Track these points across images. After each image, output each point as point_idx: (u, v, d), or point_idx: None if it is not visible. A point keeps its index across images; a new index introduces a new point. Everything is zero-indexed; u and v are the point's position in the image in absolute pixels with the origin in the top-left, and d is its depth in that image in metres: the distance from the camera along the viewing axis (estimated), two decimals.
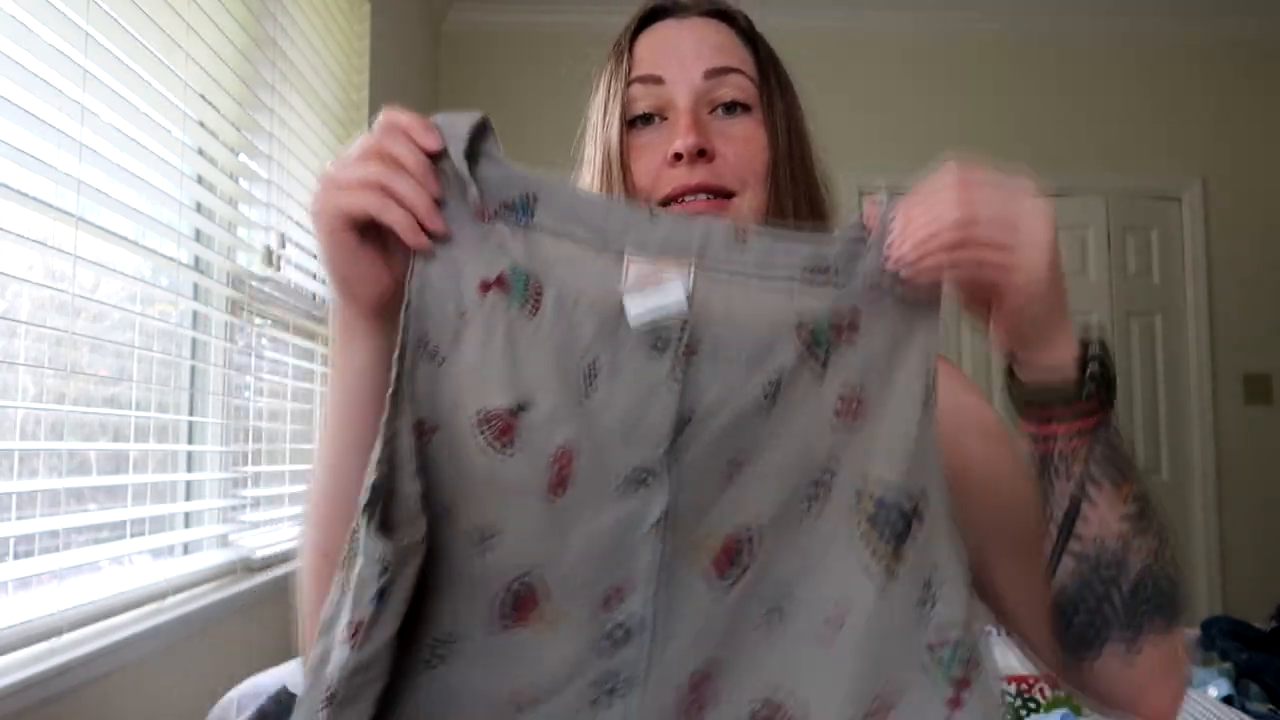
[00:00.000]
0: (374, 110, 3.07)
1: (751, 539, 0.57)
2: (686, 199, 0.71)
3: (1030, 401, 0.60)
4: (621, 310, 0.58)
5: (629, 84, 0.74)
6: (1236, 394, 3.54)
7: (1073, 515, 0.59)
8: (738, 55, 0.75)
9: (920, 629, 0.55)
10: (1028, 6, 3.50)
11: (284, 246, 2.05)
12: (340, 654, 0.53)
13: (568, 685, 0.57)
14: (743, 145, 0.72)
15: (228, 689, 1.54)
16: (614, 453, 0.57)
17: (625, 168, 0.72)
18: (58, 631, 1.25)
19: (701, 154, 0.70)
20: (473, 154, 0.59)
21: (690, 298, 0.58)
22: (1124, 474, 0.59)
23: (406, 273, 0.59)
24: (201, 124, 1.68)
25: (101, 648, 1.31)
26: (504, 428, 0.57)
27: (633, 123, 0.75)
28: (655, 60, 0.74)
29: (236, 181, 1.87)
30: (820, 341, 0.58)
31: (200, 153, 1.71)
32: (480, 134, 0.59)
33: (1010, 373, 0.62)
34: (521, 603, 0.57)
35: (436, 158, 0.59)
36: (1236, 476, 3.49)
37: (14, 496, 1.21)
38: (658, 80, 0.73)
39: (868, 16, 3.52)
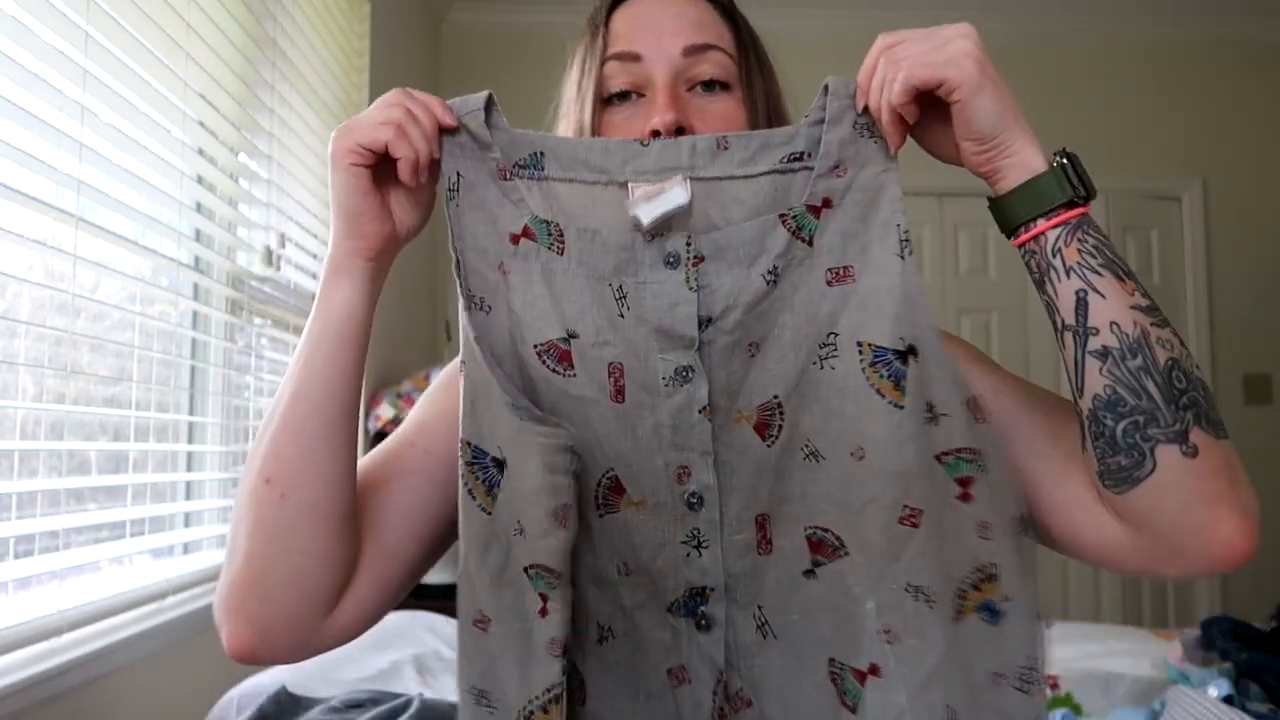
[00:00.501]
0: None
1: (780, 405, 0.67)
2: None
3: (1014, 211, 0.62)
4: (634, 236, 0.66)
5: (604, 60, 0.74)
6: (1236, 394, 3.54)
7: (1083, 311, 0.59)
8: (716, 31, 0.74)
9: (929, 444, 0.64)
10: (1027, 6, 3.50)
11: (284, 246, 2.05)
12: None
13: (663, 549, 0.68)
14: (721, 124, 0.72)
15: (228, 689, 1.54)
16: (655, 359, 0.66)
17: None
18: (58, 631, 1.25)
19: (680, 132, 0.70)
20: (486, 124, 0.68)
21: (690, 201, 0.65)
22: (1125, 271, 0.60)
23: (408, 227, 0.68)
24: (201, 124, 1.68)
25: (101, 648, 1.31)
26: (562, 354, 0.67)
27: (609, 100, 0.74)
28: (632, 36, 0.73)
29: (236, 181, 1.87)
30: (804, 224, 0.66)
31: (200, 153, 1.71)
32: (489, 108, 0.68)
33: (994, 200, 0.64)
34: (612, 493, 0.68)
35: (452, 133, 0.67)
36: None
37: (14, 496, 1.22)
38: (635, 57, 0.73)
39: (867, 17, 3.52)
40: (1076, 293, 0.60)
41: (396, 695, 1.41)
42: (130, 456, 1.56)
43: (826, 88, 0.66)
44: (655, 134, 0.70)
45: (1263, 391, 3.55)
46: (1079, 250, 0.60)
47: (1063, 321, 0.61)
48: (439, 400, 0.73)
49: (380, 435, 2.47)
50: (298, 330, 2.18)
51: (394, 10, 2.84)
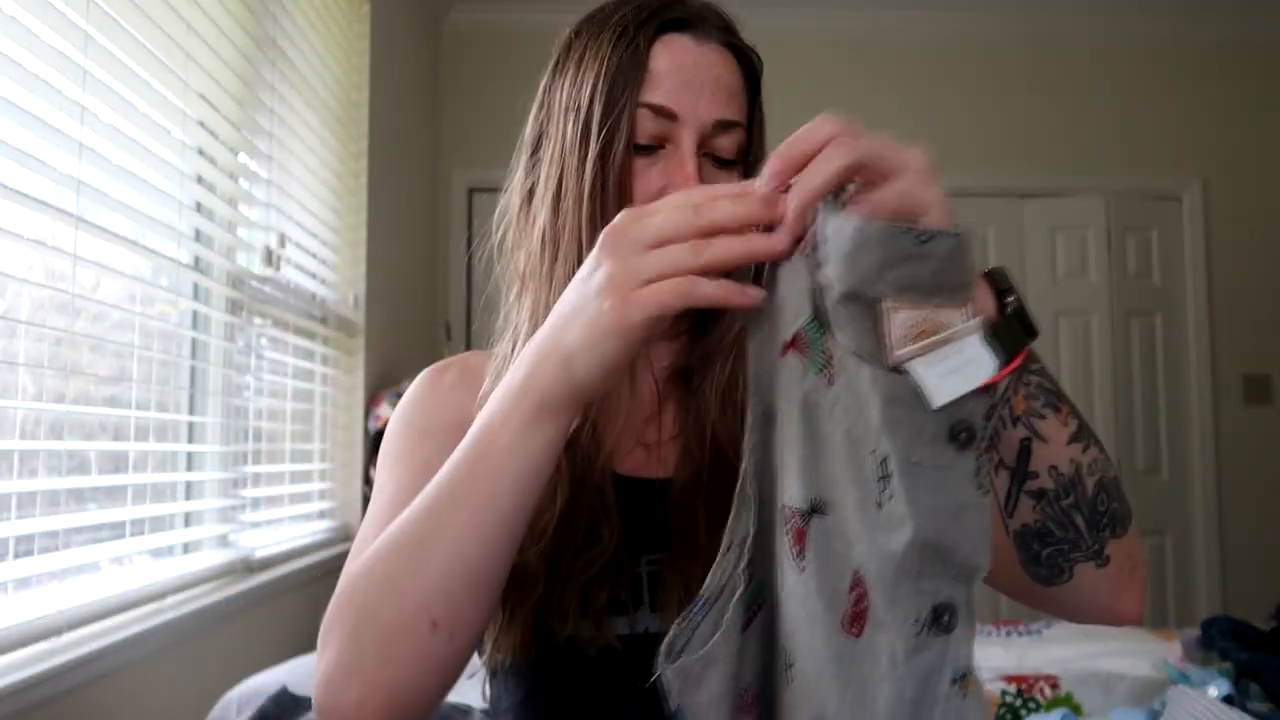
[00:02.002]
0: (374, 110, 3.00)
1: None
2: None
3: None
4: (907, 382, 0.45)
5: (639, 104, 0.71)
6: (1236, 394, 3.54)
7: (1025, 458, 0.59)
8: (741, 105, 0.74)
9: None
10: (1027, 7, 3.50)
11: (284, 246, 2.05)
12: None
13: None
14: None
15: (228, 689, 1.54)
16: (909, 586, 0.45)
17: (624, 190, 0.70)
18: (58, 631, 1.25)
19: None
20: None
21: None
22: (1058, 397, 0.60)
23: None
24: (201, 124, 1.68)
25: (101, 648, 1.31)
26: (798, 532, 0.49)
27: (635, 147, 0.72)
28: (670, 90, 0.71)
29: (236, 181, 1.87)
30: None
31: (200, 153, 1.71)
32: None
33: None
34: None
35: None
36: (1236, 476, 3.49)
37: (14, 496, 1.21)
38: (671, 115, 0.71)
39: (867, 18, 3.52)
40: (1021, 441, 0.59)
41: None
42: (130, 456, 1.55)
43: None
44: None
45: (1263, 391, 3.55)
46: (1025, 396, 0.59)
47: (1001, 459, 0.60)
48: (415, 450, 0.71)
49: (380, 434, 2.47)
50: (298, 330, 2.18)
51: (394, 10, 2.84)
